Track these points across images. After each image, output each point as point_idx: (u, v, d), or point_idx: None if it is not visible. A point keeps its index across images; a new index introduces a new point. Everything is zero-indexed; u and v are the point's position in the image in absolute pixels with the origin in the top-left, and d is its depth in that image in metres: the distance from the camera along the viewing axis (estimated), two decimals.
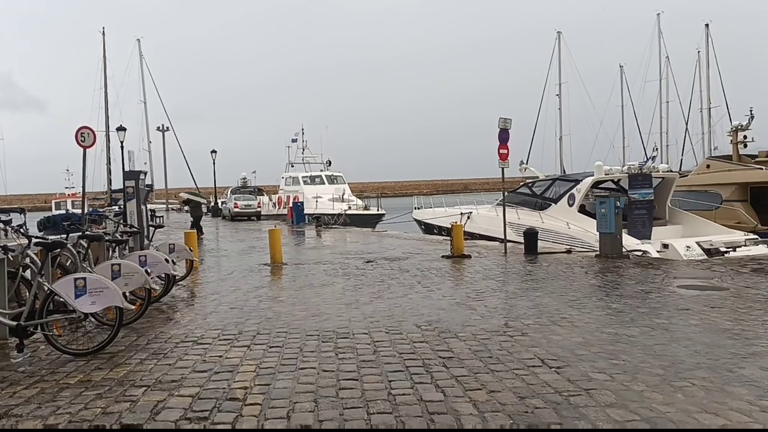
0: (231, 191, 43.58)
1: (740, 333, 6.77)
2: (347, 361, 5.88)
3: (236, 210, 37.86)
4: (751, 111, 21.63)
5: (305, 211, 32.27)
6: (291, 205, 34.08)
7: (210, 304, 9.25)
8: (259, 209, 38.74)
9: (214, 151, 48.22)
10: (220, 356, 6.13)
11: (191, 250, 11.17)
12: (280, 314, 8.35)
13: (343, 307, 8.82)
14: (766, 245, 15.90)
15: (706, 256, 14.64)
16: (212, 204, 46.57)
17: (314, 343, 6.60)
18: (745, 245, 15.61)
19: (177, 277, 10.05)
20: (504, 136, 15.83)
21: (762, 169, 19.65)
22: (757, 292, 9.40)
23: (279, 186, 43.68)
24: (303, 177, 40.62)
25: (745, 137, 21.24)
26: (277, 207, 40.80)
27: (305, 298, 9.62)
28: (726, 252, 15.12)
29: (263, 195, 43.46)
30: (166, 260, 8.89)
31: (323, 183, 39.28)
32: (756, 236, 16.54)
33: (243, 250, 18.27)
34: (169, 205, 54.75)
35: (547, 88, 55.13)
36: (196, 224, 24.52)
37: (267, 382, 5.25)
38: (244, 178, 47.55)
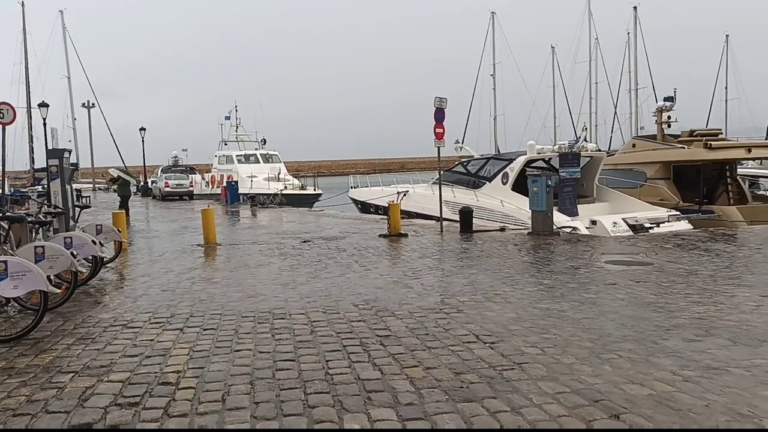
0: (161, 170, 42.25)
1: (664, 306, 7.08)
2: (284, 342, 5.83)
3: (167, 189, 36.83)
4: (674, 92, 22.49)
5: (240, 191, 31.66)
6: (225, 184, 33.36)
7: (140, 287, 8.98)
8: (191, 189, 37.80)
9: (142, 129, 46.69)
10: (152, 340, 5.97)
11: (120, 231, 10.80)
12: (214, 296, 8.19)
13: (279, 287, 8.73)
14: (687, 221, 16.67)
15: (631, 232, 15.22)
16: (142, 183, 45.16)
17: (250, 325, 6.51)
18: (668, 221, 16.32)
19: (105, 260, 9.72)
20: (440, 115, 15.93)
21: (684, 148, 20.49)
22: (679, 266, 9.85)
23: (212, 165, 42.65)
24: (237, 155, 39.75)
25: (669, 118, 22.05)
26: (210, 186, 39.85)
27: (240, 279, 9.47)
28: (650, 228, 15.76)
29: (195, 174, 42.33)
30: (93, 242, 8.57)
31: (258, 162, 38.55)
32: (678, 212, 17.30)
33: (175, 231, 17.81)
34: (96, 185, 52.78)
35: (482, 68, 55.88)
36: (124, 204, 23.72)
37: (201, 365, 5.14)
38: (176, 157, 46.21)
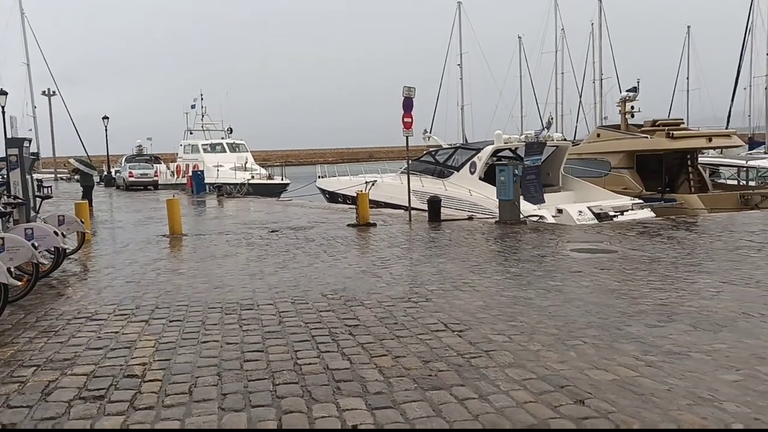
0: (125, 159, 41.45)
1: (627, 293, 7.22)
2: (252, 332, 5.79)
3: (131, 179, 36.14)
4: (638, 82, 22.89)
5: (206, 181, 31.28)
6: (191, 174, 32.90)
7: (104, 279, 8.83)
8: (156, 178, 37.15)
9: (105, 117, 45.69)
10: (116, 332, 5.88)
11: (83, 222, 10.60)
12: (180, 287, 8.09)
13: (247, 278, 8.66)
14: (650, 209, 17.01)
15: (596, 221, 15.47)
16: (105, 173, 44.27)
17: (217, 316, 6.45)
18: (632, 209, 16.63)
19: (67, 251, 9.53)
20: (408, 104, 15.93)
21: (647, 137, 20.87)
22: (642, 253, 10.05)
23: (177, 154, 41.99)
24: (203, 145, 39.19)
25: (632, 107, 22.42)
26: (175, 176, 39.22)
27: (207, 270, 9.37)
28: (614, 216, 16.04)
29: (160, 163, 41.62)
30: (55, 233, 8.39)
31: (225, 151, 38.07)
32: (641, 201, 17.64)
33: (139, 221, 17.52)
34: (58, 175, 51.56)
35: (449, 58, 55.92)
36: (87, 194, 23.23)
37: (167, 357, 5.08)
38: (140, 146, 45.37)
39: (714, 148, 23.63)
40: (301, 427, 3.74)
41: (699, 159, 22.21)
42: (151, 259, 10.50)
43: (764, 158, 29.59)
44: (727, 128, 32.87)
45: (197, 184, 30.53)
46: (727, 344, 5.18)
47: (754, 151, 37.04)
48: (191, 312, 6.67)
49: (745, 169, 26.32)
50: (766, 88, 41.24)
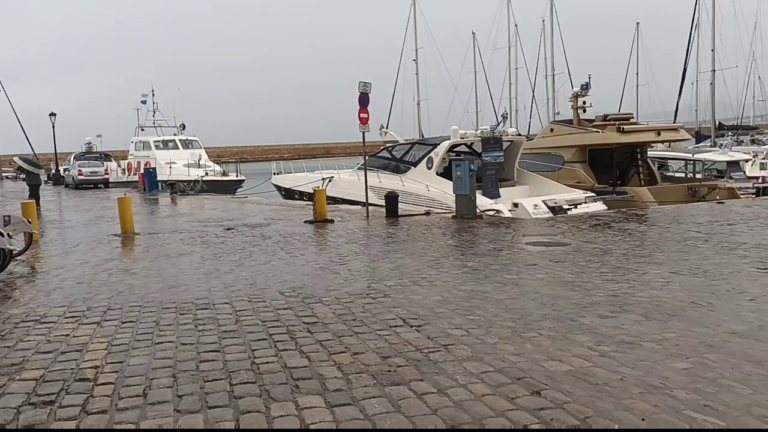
0: (74, 157, 40.28)
1: (581, 285, 7.37)
2: (208, 332, 5.70)
3: (81, 177, 35.16)
4: (589, 78, 23.31)
5: (158, 178, 30.66)
6: (142, 171, 32.20)
7: (53, 280, 8.57)
8: (106, 176, 36.22)
9: (53, 114, 44.32)
10: (67, 335, 5.71)
11: (29, 222, 10.26)
12: (133, 287, 7.91)
13: (202, 276, 8.53)
14: (602, 202, 17.39)
15: (551, 214, 15.74)
16: (53, 171, 42.97)
17: (171, 316, 6.33)
18: (585, 203, 16.98)
19: (14, 252, 9.19)
20: (364, 100, 15.90)
21: (599, 132, 21.33)
22: (595, 246, 10.27)
23: (128, 151, 41.03)
24: (155, 141, 38.36)
25: (584, 103, 22.86)
26: (126, 174, 38.34)
27: (161, 269, 9.18)
28: (568, 209, 16.35)
29: (111, 161, 40.62)
30: (1, 234, 8.10)
31: (177, 148, 37.35)
32: (593, 194, 18.02)
33: (90, 221, 17.05)
34: (3, 173, 49.83)
35: (405, 53, 55.97)
36: (34, 193, 22.50)
37: (120, 359, 4.96)
38: (89, 143, 44.14)
39: (662, 142, 24.28)
40: (259, 427, 3.69)
41: (648, 152, 22.81)
42: (102, 259, 10.23)
43: (710, 151, 30.63)
44: (674, 122, 33.77)
45: (149, 182, 29.90)
46: (676, 333, 5.34)
47: (700, 144, 38.30)
48: (145, 313, 6.53)
49: (692, 161, 27.18)
50: (711, 84, 42.51)
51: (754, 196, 20.83)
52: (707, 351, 4.84)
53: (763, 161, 27.86)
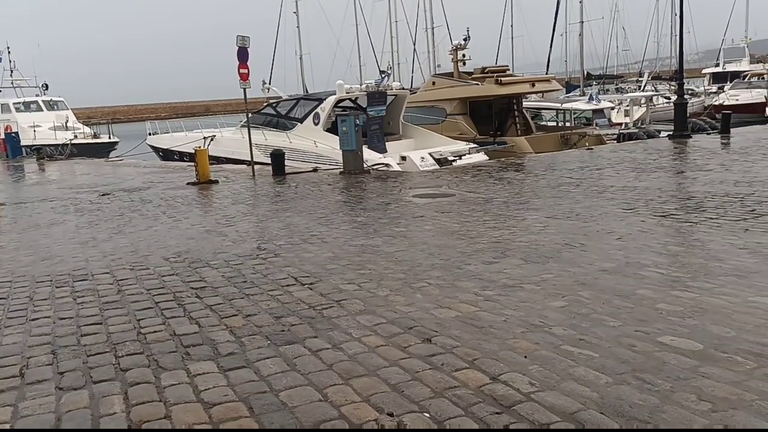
0: None
1: (466, 233, 7.64)
2: (88, 305, 5.42)
3: None
4: (468, 31, 23.74)
5: (22, 143, 28.37)
6: (3, 136, 29.63)
7: None
8: None
9: None
10: None
11: None
12: (1, 261, 7.35)
13: (78, 246, 8.04)
14: (484, 153, 17.98)
15: (437, 166, 16.10)
16: None
17: (47, 290, 5.95)
18: (468, 153, 17.48)
19: None
20: (243, 54, 15.37)
21: (478, 84, 21.90)
22: (478, 195, 10.65)
23: None
24: (15, 104, 35.25)
25: (464, 56, 23.31)
26: None
27: (31, 241, 8.57)
28: (453, 161, 16.77)
29: None
30: None
31: (41, 110, 34.53)
32: (476, 145, 18.59)
33: None
34: None
35: (284, 4, 54.36)
36: None
37: None
38: None
39: (536, 93, 25.31)
40: (149, 399, 3.58)
41: (523, 103, 23.75)
42: None
43: (579, 100, 32.32)
44: (547, 73, 35.24)
45: (12, 148, 27.58)
46: (553, 274, 5.68)
47: (570, 94, 40.25)
48: (16, 288, 6.09)
49: (562, 111, 28.61)
50: (580, 35, 44.56)
51: (615, 141, 22.29)
52: (581, 289, 5.19)
53: (627, 108, 29.74)
